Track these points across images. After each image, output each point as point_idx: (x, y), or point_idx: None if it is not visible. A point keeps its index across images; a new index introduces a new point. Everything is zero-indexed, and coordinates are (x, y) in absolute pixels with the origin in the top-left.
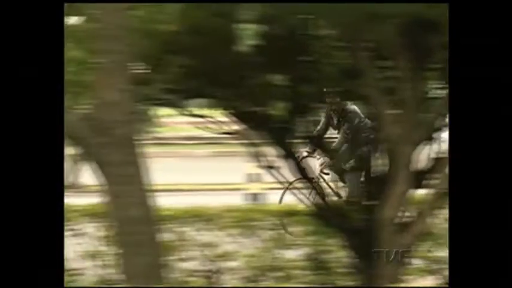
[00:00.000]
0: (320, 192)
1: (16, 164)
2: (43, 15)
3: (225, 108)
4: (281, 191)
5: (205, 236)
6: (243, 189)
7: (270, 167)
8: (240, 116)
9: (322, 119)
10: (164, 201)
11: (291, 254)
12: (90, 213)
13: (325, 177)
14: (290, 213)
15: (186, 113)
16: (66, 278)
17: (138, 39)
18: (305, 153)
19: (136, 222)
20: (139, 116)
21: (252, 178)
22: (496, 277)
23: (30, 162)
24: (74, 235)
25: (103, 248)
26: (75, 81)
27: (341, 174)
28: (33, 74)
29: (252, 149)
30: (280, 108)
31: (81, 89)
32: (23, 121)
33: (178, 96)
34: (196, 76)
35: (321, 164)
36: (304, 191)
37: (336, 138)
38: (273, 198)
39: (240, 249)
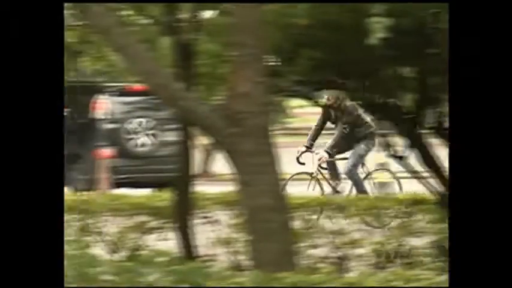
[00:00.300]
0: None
1: (16, 164)
2: (43, 15)
3: (355, 100)
4: (406, 180)
5: (334, 224)
6: (372, 178)
7: (398, 157)
8: (370, 107)
9: (320, 115)
10: (294, 190)
11: (417, 242)
12: (223, 201)
13: (323, 171)
14: (417, 202)
15: (316, 104)
16: (198, 264)
17: (271, 33)
18: (304, 148)
19: (267, 210)
20: (271, 107)
21: (381, 167)
22: (496, 277)
23: (30, 162)
24: (207, 222)
25: (235, 235)
26: (209, 73)
27: (337, 168)
28: (33, 73)
29: (381, 139)
30: (409, 100)
31: (215, 80)
32: (23, 121)
33: (309, 87)
34: (326, 68)
35: (319, 159)
36: (431, 180)
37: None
38: (400, 188)
39: (367, 236)
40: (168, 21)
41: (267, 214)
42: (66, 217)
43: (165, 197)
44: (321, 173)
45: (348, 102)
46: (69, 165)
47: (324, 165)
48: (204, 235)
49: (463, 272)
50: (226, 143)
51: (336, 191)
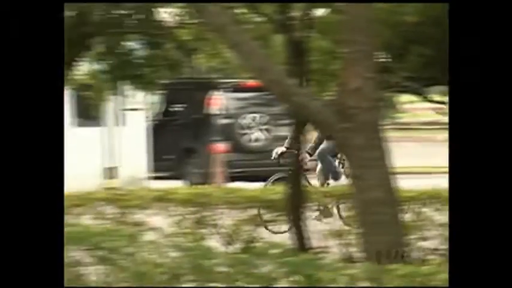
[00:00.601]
0: None
1: (15, 164)
2: (43, 15)
3: None
4: None
5: (443, 217)
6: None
7: None
8: None
9: None
10: (405, 184)
11: None
12: (334, 195)
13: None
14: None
15: (426, 99)
16: (311, 256)
17: (382, 30)
18: (283, 149)
19: (378, 203)
20: (382, 102)
21: None
22: (496, 277)
23: (30, 161)
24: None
25: (347, 228)
26: (321, 69)
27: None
28: (33, 74)
29: None
30: None
31: (327, 77)
32: (23, 121)
33: (418, 83)
34: (436, 65)
35: (301, 160)
36: None
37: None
38: None
39: None
40: (281, 19)
41: (378, 207)
42: (181, 210)
43: (278, 191)
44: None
45: None
46: (185, 160)
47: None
48: (316, 227)
49: (463, 272)
50: (338, 138)
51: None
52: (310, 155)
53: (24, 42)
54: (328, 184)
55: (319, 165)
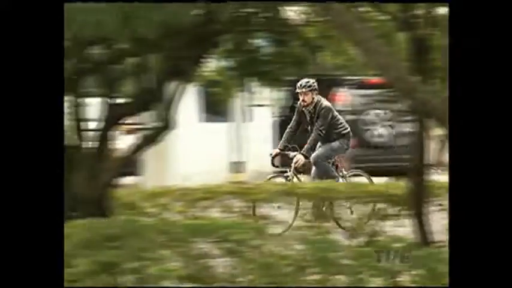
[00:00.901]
0: None
1: (15, 164)
2: (43, 15)
3: None
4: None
5: None
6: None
7: None
8: None
9: (294, 116)
10: None
11: None
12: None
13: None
14: None
15: None
16: (434, 250)
17: None
18: (277, 151)
19: None
20: None
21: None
22: (495, 277)
23: (29, 162)
24: (441, 210)
25: None
26: (444, 67)
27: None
28: (33, 74)
29: None
30: None
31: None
32: (23, 120)
33: None
34: None
35: (296, 162)
36: None
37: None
38: None
39: None
40: (405, 17)
41: None
42: (305, 204)
43: (401, 186)
44: (296, 176)
45: (324, 104)
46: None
47: (300, 167)
48: (438, 222)
49: (463, 272)
50: None
51: None
52: (306, 157)
53: (24, 42)
54: None
55: (314, 169)
